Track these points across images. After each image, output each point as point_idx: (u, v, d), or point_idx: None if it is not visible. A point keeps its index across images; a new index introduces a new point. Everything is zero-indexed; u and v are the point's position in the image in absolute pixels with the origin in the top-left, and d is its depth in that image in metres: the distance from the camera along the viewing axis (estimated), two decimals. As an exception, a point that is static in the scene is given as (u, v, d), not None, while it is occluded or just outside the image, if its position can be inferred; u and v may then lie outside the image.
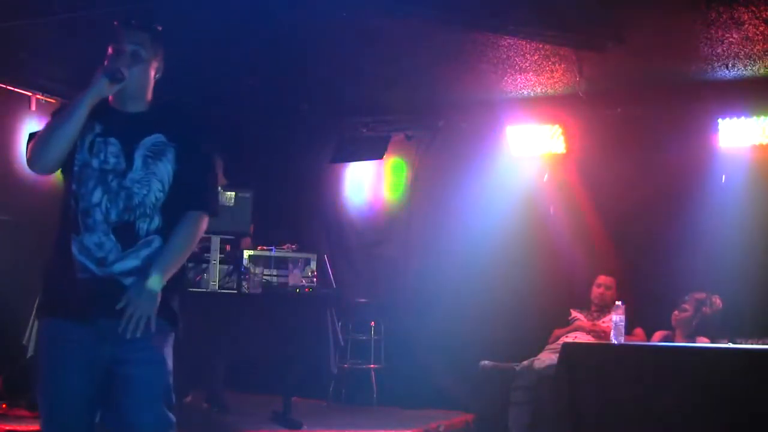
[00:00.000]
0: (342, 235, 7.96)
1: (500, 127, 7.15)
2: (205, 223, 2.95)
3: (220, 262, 5.63)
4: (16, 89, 6.88)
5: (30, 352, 5.16)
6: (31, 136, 2.89)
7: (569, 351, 4.98)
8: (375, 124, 7.80)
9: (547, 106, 6.97)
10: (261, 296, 5.63)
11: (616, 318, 4.92)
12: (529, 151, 7.16)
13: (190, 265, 5.61)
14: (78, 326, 2.76)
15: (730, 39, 5.44)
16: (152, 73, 2.97)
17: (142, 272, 2.79)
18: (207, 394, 6.54)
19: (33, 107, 6.98)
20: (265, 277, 5.77)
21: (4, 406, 5.91)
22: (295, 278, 5.92)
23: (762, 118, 6.28)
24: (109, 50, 2.91)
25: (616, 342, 4.89)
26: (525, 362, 6.05)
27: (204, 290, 5.54)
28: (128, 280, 2.78)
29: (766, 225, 6.23)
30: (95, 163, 2.83)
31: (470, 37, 5.76)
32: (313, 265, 6.18)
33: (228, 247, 5.88)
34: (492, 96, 6.96)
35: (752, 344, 5.17)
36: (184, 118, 3.03)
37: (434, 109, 7.38)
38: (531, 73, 6.40)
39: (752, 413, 4.31)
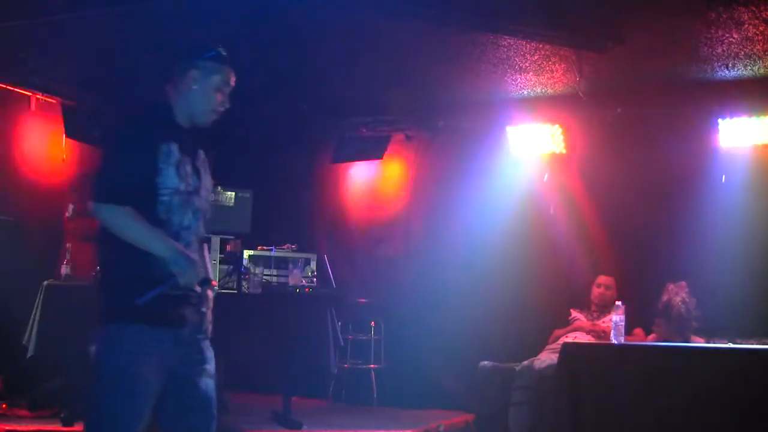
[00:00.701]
0: (342, 235, 7.96)
1: (500, 127, 7.15)
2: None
3: (220, 262, 5.63)
4: (16, 89, 6.88)
5: (30, 352, 5.16)
6: (109, 180, 2.80)
7: (569, 351, 4.97)
8: (375, 124, 7.81)
9: (547, 106, 6.97)
10: (261, 296, 5.63)
11: (616, 318, 4.92)
12: (529, 151, 7.16)
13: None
14: (162, 334, 2.83)
15: (730, 39, 5.44)
16: None
17: (204, 280, 2.93)
18: None
19: (33, 107, 6.98)
20: (265, 277, 5.77)
21: (4, 406, 5.91)
22: (295, 278, 5.92)
23: (762, 118, 6.29)
24: (207, 81, 2.96)
25: (616, 342, 4.89)
26: (525, 362, 6.04)
27: (204, 290, 5.53)
28: (196, 289, 2.90)
29: (766, 225, 6.23)
30: (182, 186, 2.87)
31: (470, 37, 5.76)
32: (313, 265, 6.18)
33: (228, 247, 5.88)
34: (492, 96, 6.96)
35: (752, 344, 5.16)
36: (206, 132, 3.08)
37: (434, 109, 7.38)
38: (531, 73, 6.40)
39: (752, 413, 4.31)
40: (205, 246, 3.12)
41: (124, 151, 2.82)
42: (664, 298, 5.67)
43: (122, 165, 2.80)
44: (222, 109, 2.99)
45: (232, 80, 3.00)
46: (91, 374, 2.81)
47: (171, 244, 2.80)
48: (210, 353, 2.99)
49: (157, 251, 2.78)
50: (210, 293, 3.01)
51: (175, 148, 2.85)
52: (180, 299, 2.86)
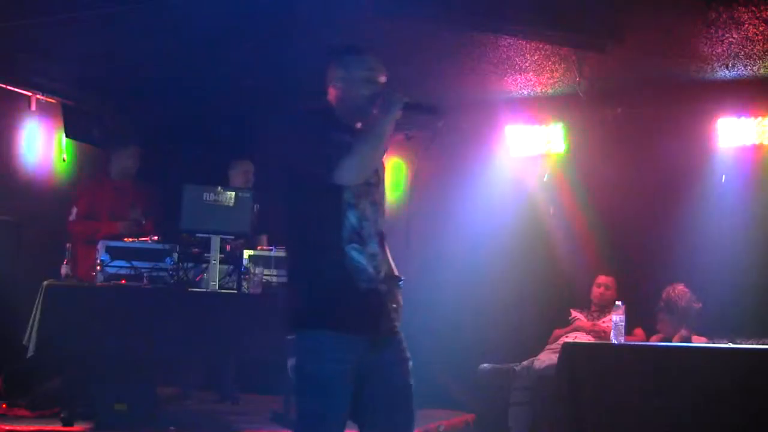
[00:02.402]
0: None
1: (500, 127, 7.15)
2: None
3: (220, 262, 5.62)
4: (16, 89, 6.87)
5: (30, 352, 5.16)
6: (328, 155, 2.85)
7: (569, 351, 4.97)
8: (375, 124, 7.79)
9: (547, 106, 6.97)
10: (261, 296, 5.62)
11: (616, 318, 4.92)
12: (529, 151, 7.16)
13: (190, 265, 5.62)
14: (361, 339, 2.86)
15: (730, 39, 5.44)
16: None
17: (389, 276, 3.01)
18: (219, 391, 6.72)
19: (33, 107, 6.98)
20: (265, 277, 5.77)
21: (4, 406, 5.90)
22: (295, 278, 5.91)
23: (762, 118, 6.29)
24: (382, 78, 3.04)
25: (616, 342, 4.89)
26: (525, 362, 6.05)
27: (204, 290, 5.54)
28: (383, 286, 2.95)
29: (766, 225, 6.23)
30: None
31: (470, 37, 5.76)
32: (313, 265, 6.16)
33: (228, 247, 5.87)
34: (492, 96, 6.96)
35: (752, 344, 5.16)
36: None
37: (434, 109, 7.37)
38: (531, 73, 6.40)
39: (752, 413, 4.31)
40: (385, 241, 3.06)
41: (305, 141, 2.91)
42: (664, 295, 5.72)
43: (310, 149, 2.87)
44: (375, 99, 2.96)
45: (377, 69, 3.01)
46: (295, 384, 2.91)
47: (382, 119, 2.88)
48: (405, 352, 2.99)
49: (387, 129, 2.87)
50: (396, 289, 3.03)
51: (347, 137, 2.91)
52: (371, 303, 2.88)
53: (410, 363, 2.99)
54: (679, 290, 5.72)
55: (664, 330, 5.78)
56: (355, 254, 2.86)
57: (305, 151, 2.89)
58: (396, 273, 3.05)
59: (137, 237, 5.85)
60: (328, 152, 2.82)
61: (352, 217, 2.88)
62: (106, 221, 6.09)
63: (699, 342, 5.55)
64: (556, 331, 6.39)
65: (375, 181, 2.99)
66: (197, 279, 5.63)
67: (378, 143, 2.89)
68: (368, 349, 2.87)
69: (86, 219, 6.09)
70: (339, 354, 2.82)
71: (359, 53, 3.04)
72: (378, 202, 2.98)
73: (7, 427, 5.21)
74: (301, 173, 2.89)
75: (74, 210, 6.13)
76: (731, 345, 5.07)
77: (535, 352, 6.22)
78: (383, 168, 3.09)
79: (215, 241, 5.60)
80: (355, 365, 2.84)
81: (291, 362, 2.91)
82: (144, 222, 6.21)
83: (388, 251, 3.05)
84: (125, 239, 5.78)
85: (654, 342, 5.86)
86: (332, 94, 3.05)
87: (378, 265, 2.94)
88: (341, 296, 2.84)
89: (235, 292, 5.62)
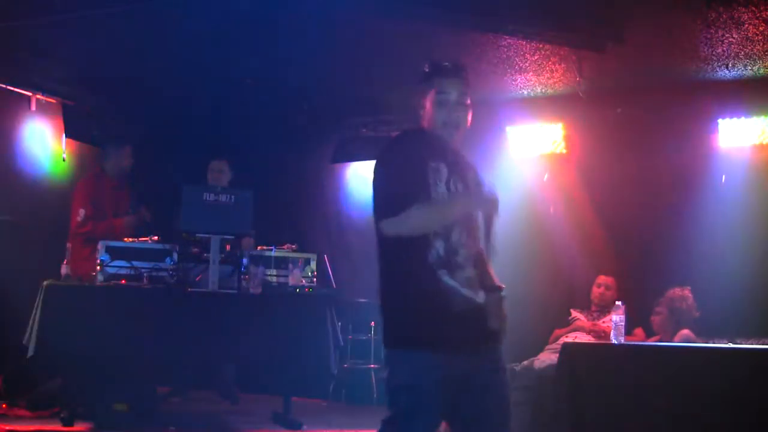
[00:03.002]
0: (342, 235, 7.95)
1: (500, 127, 7.15)
2: None
3: (220, 262, 5.63)
4: (16, 89, 6.88)
5: (30, 352, 5.16)
6: (392, 202, 2.92)
7: (569, 351, 4.97)
8: (375, 124, 7.80)
9: (547, 106, 6.97)
10: (261, 296, 5.63)
11: (616, 318, 4.91)
12: (529, 151, 7.16)
13: (190, 265, 5.62)
14: (455, 357, 2.90)
15: (730, 39, 5.44)
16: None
17: (491, 289, 3.04)
18: (219, 391, 6.74)
19: (33, 107, 6.98)
20: (265, 277, 5.77)
21: (4, 406, 5.90)
22: (295, 278, 5.92)
23: (762, 118, 6.29)
24: (432, 98, 3.08)
25: (616, 342, 4.89)
26: (525, 362, 6.04)
27: (204, 290, 5.54)
28: (482, 301, 2.99)
29: (766, 225, 6.22)
30: None
31: (470, 37, 5.76)
32: (313, 265, 6.17)
33: (228, 247, 5.87)
34: (492, 96, 6.96)
35: (752, 344, 5.16)
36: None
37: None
38: (531, 73, 6.40)
39: (752, 413, 4.31)
40: (488, 258, 3.12)
41: (398, 167, 2.95)
42: (669, 294, 5.75)
43: (399, 179, 2.93)
44: (461, 121, 3.06)
45: (458, 91, 3.07)
46: (388, 396, 2.96)
47: (456, 199, 2.97)
48: (502, 362, 3.05)
49: (457, 213, 2.94)
50: (499, 301, 3.05)
51: (443, 166, 2.98)
52: (465, 324, 2.92)
53: (507, 373, 3.10)
54: (685, 294, 5.73)
55: (661, 327, 5.78)
56: (446, 279, 2.92)
57: (387, 179, 2.98)
58: (498, 284, 3.09)
59: (138, 237, 5.86)
60: (401, 191, 2.90)
61: (439, 247, 2.93)
62: (111, 219, 6.12)
63: (683, 335, 5.56)
64: (556, 331, 6.38)
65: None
66: (197, 279, 5.63)
67: (438, 221, 2.94)
68: (466, 361, 2.92)
69: (95, 219, 6.10)
70: (432, 370, 2.87)
71: (442, 76, 3.11)
72: (477, 227, 3.05)
73: (7, 427, 5.21)
74: (376, 201, 3.00)
75: (81, 211, 6.11)
76: (731, 345, 5.07)
77: (535, 352, 6.21)
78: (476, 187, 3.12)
79: (215, 241, 5.61)
80: (448, 377, 2.89)
81: (385, 374, 3.01)
82: (146, 216, 6.24)
83: (489, 266, 3.10)
84: (125, 239, 5.78)
85: (654, 342, 5.86)
86: (423, 115, 3.11)
87: (474, 286, 2.98)
88: (433, 319, 2.90)
89: (235, 292, 5.63)
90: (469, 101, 3.11)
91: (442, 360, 2.86)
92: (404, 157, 2.97)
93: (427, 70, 3.14)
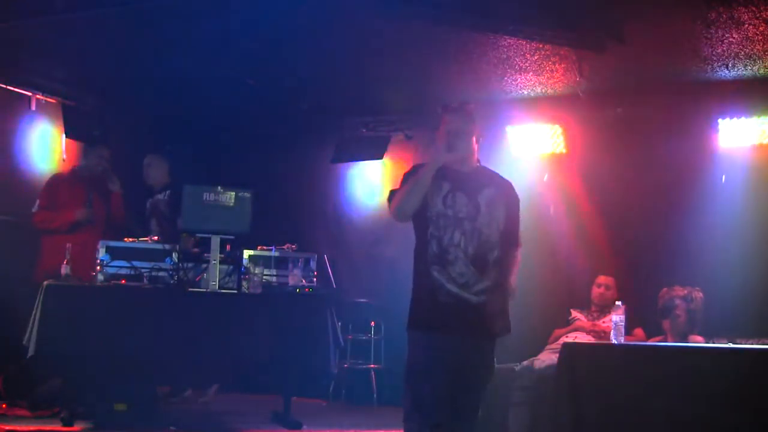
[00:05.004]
0: (342, 235, 7.95)
1: (500, 127, 7.15)
2: (520, 253, 3.87)
3: (220, 262, 5.63)
4: (16, 89, 6.87)
5: (30, 352, 5.16)
6: (392, 193, 3.74)
7: (569, 351, 4.97)
8: (375, 124, 7.80)
9: (547, 106, 6.97)
10: (261, 296, 5.63)
11: (616, 318, 4.91)
12: (529, 151, 7.15)
13: (190, 265, 5.62)
14: (445, 337, 3.61)
15: (730, 39, 5.44)
16: (474, 140, 3.76)
17: (490, 290, 3.68)
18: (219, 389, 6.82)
19: (33, 107, 6.98)
20: (265, 277, 5.77)
21: (4, 406, 5.90)
22: (295, 278, 5.92)
23: (762, 118, 6.28)
24: (442, 130, 3.72)
25: (616, 342, 4.89)
26: (525, 362, 6.04)
27: (204, 290, 5.54)
28: (479, 298, 3.65)
29: (766, 225, 6.22)
30: (450, 212, 3.64)
31: (470, 37, 5.76)
32: (313, 265, 6.18)
33: (228, 247, 5.88)
34: (492, 96, 6.96)
35: (752, 344, 5.16)
36: (505, 180, 3.87)
37: (434, 109, 7.37)
38: (531, 73, 6.40)
39: (752, 413, 4.31)
40: (493, 263, 3.70)
41: (406, 182, 3.70)
42: (686, 292, 5.68)
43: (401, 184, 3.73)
44: (462, 151, 3.67)
45: (459, 126, 3.70)
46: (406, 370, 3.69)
47: (423, 168, 3.62)
48: (486, 359, 3.74)
49: (428, 174, 3.58)
50: (486, 301, 3.66)
51: (446, 184, 3.64)
52: (448, 311, 3.60)
53: (489, 370, 3.75)
54: (700, 296, 5.69)
55: (676, 330, 5.71)
56: (436, 274, 3.61)
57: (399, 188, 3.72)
58: (498, 286, 3.72)
59: (138, 237, 5.86)
60: (395, 194, 3.70)
61: (434, 246, 3.62)
62: (62, 211, 6.26)
63: (695, 341, 5.54)
64: (556, 331, 6.38)
65: (466, 215, 3.64)
66: (197, 279, 5.64)
67: (414, 188, 3.61)
68: (458, 348, 3.60)
69: (46, 210, 6.30)
70: (427, 347, 3.62)
71: (448, 113, 3.75)
72: (470, 231, 3.62)
73: (7, 427, 5.21)
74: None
75: (38, 201, 6.38)
76: (731, 345, 5.07)
77: (535, 352, 6.21)
78: (486, 204, 3.68)
79: (215, 241, 5.61)
80: (444, 361, 3.59)
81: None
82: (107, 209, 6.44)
83: (489, 269, 3.68)
84: (126, 239, 5.78)
85: (654, 342, 5.86)
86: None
87: (466, 282, 3.61)
88: (424, 306, 3.67)
89: (235, 292, 5.63)
90: (473, 131, 3.72)
91: (433, 341, 3.60)
92: (413, 172, 3.72)
93: (439, 111, 3.79)
